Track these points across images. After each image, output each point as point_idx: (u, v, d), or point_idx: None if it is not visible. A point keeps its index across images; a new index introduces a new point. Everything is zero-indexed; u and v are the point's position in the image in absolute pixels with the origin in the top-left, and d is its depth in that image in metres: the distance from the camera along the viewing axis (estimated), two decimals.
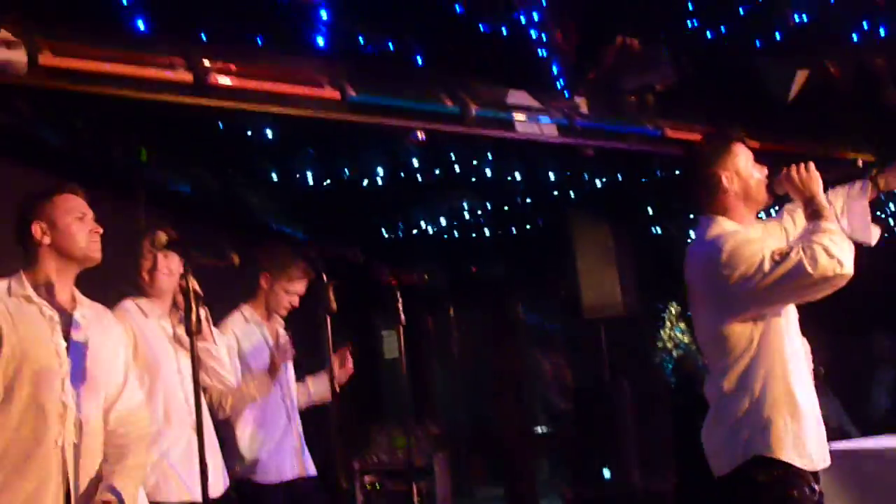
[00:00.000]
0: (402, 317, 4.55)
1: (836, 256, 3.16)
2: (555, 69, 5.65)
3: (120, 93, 4.37)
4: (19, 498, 2.93)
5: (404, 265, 5.10)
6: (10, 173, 4.85)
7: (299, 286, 4.61)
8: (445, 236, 8.61)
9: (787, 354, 3.33)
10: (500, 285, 9.44)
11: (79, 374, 3.10)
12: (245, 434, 4.42)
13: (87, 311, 3.20)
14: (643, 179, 7.25)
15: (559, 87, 5.74)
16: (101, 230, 3.19)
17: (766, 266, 3.17)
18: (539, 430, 10.35)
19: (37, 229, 3.12)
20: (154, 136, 5.64)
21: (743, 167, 3.38)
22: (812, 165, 3.36)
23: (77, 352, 3.12)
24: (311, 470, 4.64)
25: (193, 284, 3.12)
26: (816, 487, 3.34)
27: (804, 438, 3.31)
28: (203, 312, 3.22)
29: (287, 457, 4.50)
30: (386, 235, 8.41)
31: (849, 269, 3.20)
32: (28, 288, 3.08)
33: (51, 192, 3.18)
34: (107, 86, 4.33)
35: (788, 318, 3.39)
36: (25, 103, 4.63)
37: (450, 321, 5.92)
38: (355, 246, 4.55)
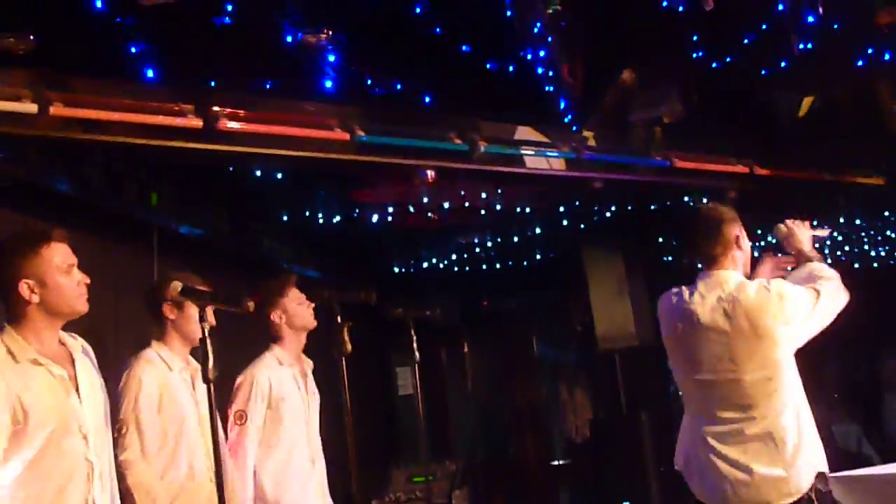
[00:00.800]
0: (417, 353, 4.55)
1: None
2: (562, 104, 5.68)
3: (131, 140, 4.41)
4: None
5: (416, 301, 5.11)
6: (22, 224, 4.88)
7: (298, 300, 4.50)
8: (456, 269, 8.61)
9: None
10: (514, 318, 9.43)
11: (93, 429, 3.09)
12: (269, 478, 4.38)
13: (79, 355, 3.16)
14: (653, 209, 7.24)
15: (567, 121, 5.77)
16: (88, 280, 3.14)
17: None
18: (558, 462, 10.28)
19: (24, 288, 3.04)
20: (165, 181, 5.68)
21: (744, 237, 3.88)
22: (798, 222, 4.03)
23: (88, 406, 3.10)
24: None
25: (208, 332, 3.12)
26: None
27: None
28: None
29: (311, 499, 4.48)
30: (397, 271, 8.42)
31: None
32: (30, 350, 3.02)
33: (37, 243, 3.09)
34: (118, 134, 4.37)
35: None
36: (37, 153, 4.67)
37: (464, 356, 5.91)
38: (370, 286, 4.55)
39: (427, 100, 5.26)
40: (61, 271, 3.09)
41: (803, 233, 4.03)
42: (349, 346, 4.17)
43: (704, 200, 6.95)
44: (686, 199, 6.91)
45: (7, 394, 2.91)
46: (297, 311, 4.46)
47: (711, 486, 3.78)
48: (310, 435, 4.54)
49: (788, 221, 4.06)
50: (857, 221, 7.99)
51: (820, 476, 3.74)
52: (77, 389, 3.07)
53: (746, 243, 3.89)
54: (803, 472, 3.68)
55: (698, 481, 3.84)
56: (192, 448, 3.87)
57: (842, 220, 7.86)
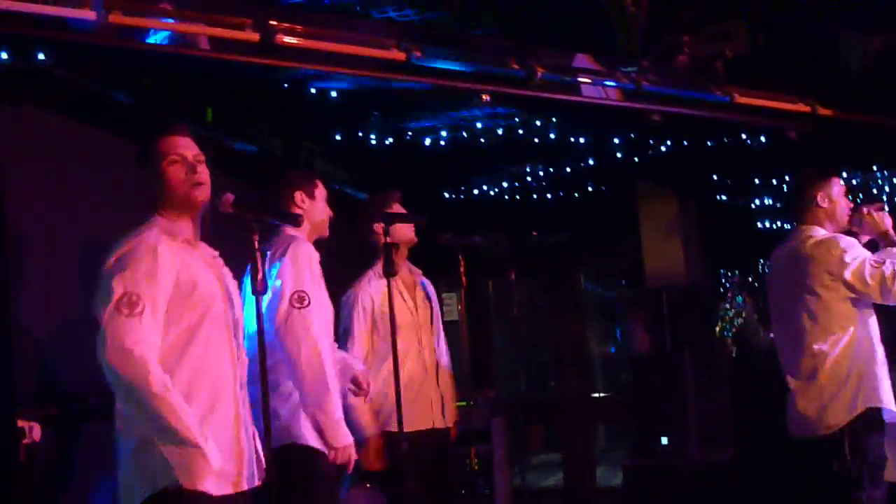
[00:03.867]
0: (464, 279, 4.56)
1: None
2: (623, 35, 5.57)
3: (188, 52, 4.39)
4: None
5: (466, 228, 5.10)
6: (79, 132, 4.93)
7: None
8: (507, 198, 8.56)
9: (872, 328, 4.45)
10: (563, 251, 9.39)
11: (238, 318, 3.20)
12: (380, 384, 4.50)
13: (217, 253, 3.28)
14: (710, 145, 7.13)
15: (627, 51, 5.66)
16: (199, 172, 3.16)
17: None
18: (598, 395, 10.33)
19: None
20: (221, 96, 5.68)
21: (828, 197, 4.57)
22: (882, 207, 4.60)
23: (233, 294, 3.21)
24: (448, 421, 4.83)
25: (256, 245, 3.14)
26: None
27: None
28: None
29: (422, 406, 4.64)
30: (448, 198, 8.39)
31: None
32: (184, 232, 3.13)
33: (154, 136, 3.19)
34: (175, 45, 4.36)
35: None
36: (95, 62, 4.68)
37: (510, 285, 5.90)
38: (418, 211, 4.55)
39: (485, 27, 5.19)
40: (167, 160, 3.15)
41: (879, 218, 4.54)
42: (397, 268, 4.20)
43: (763, 139, 6.83)
44: (744, 136, 6.79)
45: (172, 261, 3.01)
46: (398, 227, 4.47)
47: None
48: (423, 343, 4.71)
49: (864, 209, 4.58)
50: None
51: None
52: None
53: (829, 203, 4.54)
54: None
55: None
56: None
57: None
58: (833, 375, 4.38)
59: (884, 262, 4.37)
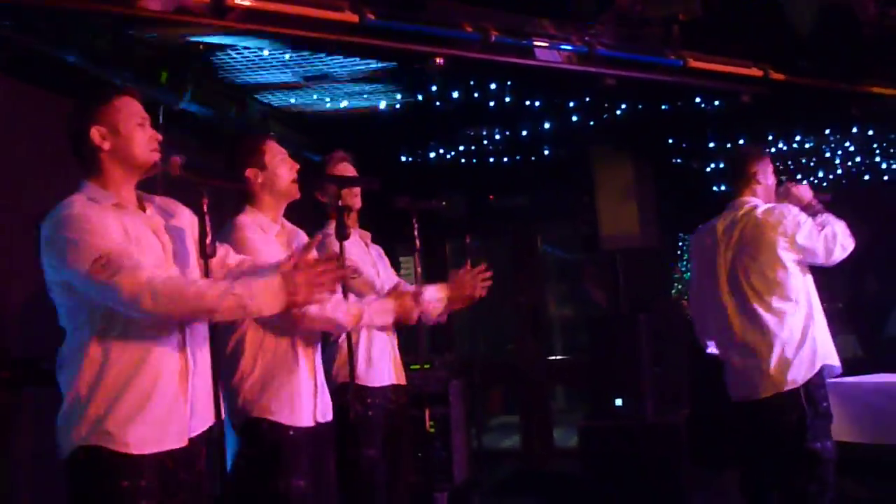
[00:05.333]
0: (419, 243, 4.56)
1: (842, 243, 4.72)
2: None
3: (139, 13, 4.35)
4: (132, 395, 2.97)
5: (422, 192, 5.10)
6: (32, 95, 4.86)
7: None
8: (464, 161, 8.55)
9: (813, 290, 4.79)
10: (520, 214, 9.42)
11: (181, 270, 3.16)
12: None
13: (162, 206, 3.24)
14: (665, 109, 7.16)
15: (581, 16, 5.66)
16: (160, 137, 3.14)
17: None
18: (554, 357, 10.42)
19: (95, 134, 3.07)
20: (173, 59, 5.61)
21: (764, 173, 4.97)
22: (800, 181, 5.11)
23: (178, 253, 3.18)
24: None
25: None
26: None
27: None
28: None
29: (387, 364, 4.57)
30: (404, 161, 8.38)
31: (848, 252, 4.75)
32: (110, 195, 3.06)
33: (110, 94, 3.12)
34: (128, 6, 4.31)
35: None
36: (47, 23, 4.61)
37: (467, 249, 5.92)
38: (374, 174, 4.53)
39: None
40: (133, 122, 3.10)
41: (803, 190, 4.94)
42: (350, 232, 4.19)
43: (716, 103, 6.87)
44: (698, 100, 6.83)
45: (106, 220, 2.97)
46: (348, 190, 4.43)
47: None
48: None
49: (788, 184, 4.99)
50: (870, 133, 7.89)
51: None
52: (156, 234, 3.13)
53: (767, 178, 4.91)
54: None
55: None
56: None
57: (854, 130, 7.77)
58: (792, 334, 4.66)
59: (823, 227, 4.72)
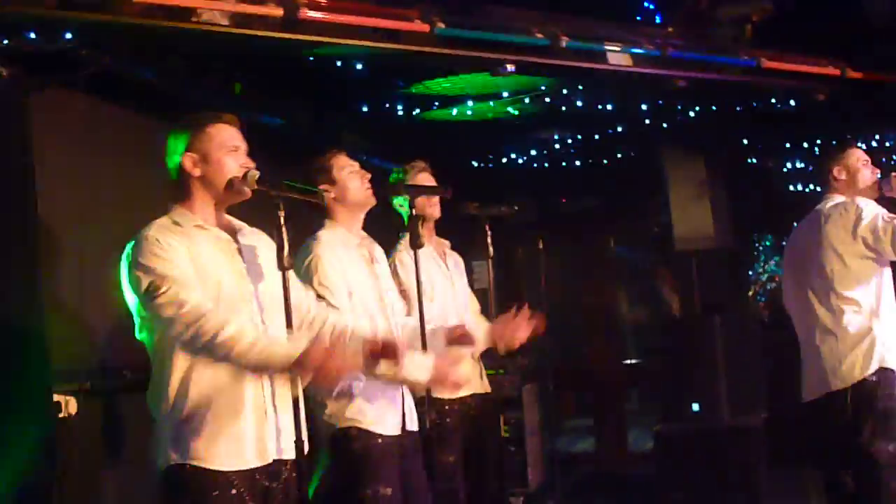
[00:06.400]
0: (491, 248, 4.57)
1: None
2: (648, 3, 5.55)
3: (212, 28, 4.42)
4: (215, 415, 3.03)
5: (495, 196, 5.11)
6: (110, 113, 4.98)
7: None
8: (535, 165, 8.55)
9: (886, 290, 4.61)
10: (591, 217, 9.39)
11: (263, 296, 3.18)
12: None
13: (248, 233, 3.27)
14: (739, 110, 7.08)
15: (652, 19, 5.63)
16: (253, 165, 3.17)
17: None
18: (629, 362, 10.35)
19: (187, 161, 3.13)
20: (247, 71, 5.70)
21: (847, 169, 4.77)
22: None
23: (254, 273, 3.19)
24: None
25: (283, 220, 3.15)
26: None
27: None
28: None
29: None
30: (476, 166, 8.40)
31: None
32: (195, 217, 3.12)
33: (201, 122, 3.17)
34: (199, 21, 4.39)
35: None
36: (120, 41, 4.71)
37: (539, 253, 5.92)
38: (445, 183, 4.55)
39: None
40: (225, 149, 3.15)
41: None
42: (424, 240, 4.21)
43: (792, 103, 6.78)
44: (773, 100, 6.74)
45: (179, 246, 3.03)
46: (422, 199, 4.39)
47: None
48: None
49: (893, 174, 4.68)
50: None
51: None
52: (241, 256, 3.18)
53: (847, 174, 4.73)
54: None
55: None
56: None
57: None
58: (846, 333, 4.53)
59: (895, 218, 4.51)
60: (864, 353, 4.50)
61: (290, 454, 3.15)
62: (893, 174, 4.71)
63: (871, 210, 4.57)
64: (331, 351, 3.06)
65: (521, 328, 4.36)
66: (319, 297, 3.67)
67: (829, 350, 4.55)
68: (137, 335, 3.12)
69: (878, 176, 4.77)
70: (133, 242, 3.06)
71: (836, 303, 4.56)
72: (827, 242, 4.58)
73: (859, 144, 7.37)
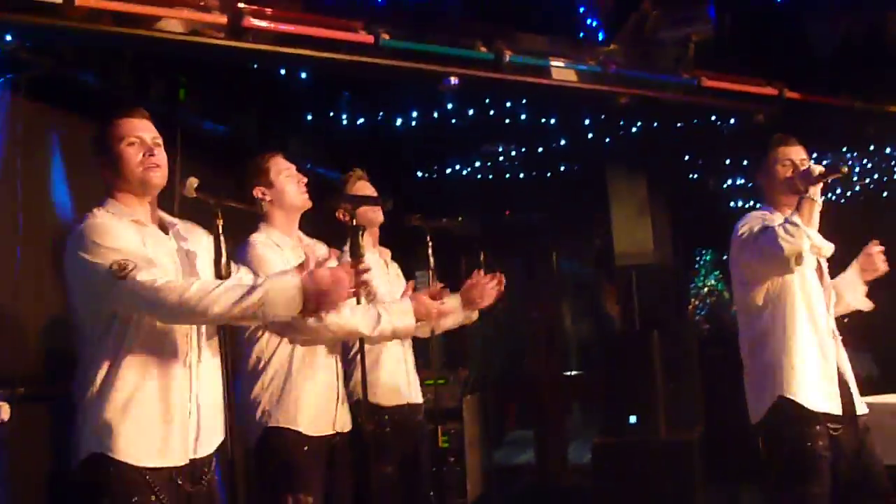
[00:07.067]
0: (432, 260, 4.59)
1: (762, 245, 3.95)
2: (592, 20, 5.62)
3: (155, 34, 4.40)
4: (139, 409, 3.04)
5: (439, 208, 5.13)
6: (52, 116, 4.92)
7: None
8: (479, 177, 8.59)
9: (796, 310, 4.02)
10: (535, 231, 9.44)
11: None
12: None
13: (182, 229, 3.33)
14: (679, 127, 7.19)
15: (595, 36, 5.71)
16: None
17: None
18: (570, 373, 10.41)
19: (99, 158, 3.20)
20: (191, 78, 5.68)
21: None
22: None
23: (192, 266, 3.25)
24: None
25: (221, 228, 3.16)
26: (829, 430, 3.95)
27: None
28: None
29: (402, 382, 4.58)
30: (420, 176, 8.42)
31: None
32: (131, 212, 3.19)
33: (112, 116, 3.21)
34: (143, 27, 4.37)
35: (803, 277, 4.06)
36: (66, 46, 4.67)
37: (481, 265, 5.93)
38: (387, 194, 4.57)
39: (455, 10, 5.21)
40: (125, 141, 3.17)
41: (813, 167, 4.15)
42: (364, 251, 4.21)
43: (732, 121, 6.89)
44: (713, 118, 6.85)
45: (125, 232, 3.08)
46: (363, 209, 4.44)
47: None
48: None
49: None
50: (888, 150, 7.90)
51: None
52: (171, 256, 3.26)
53: (765, 179, 4.31)
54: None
55: None
56: None
57: (871, 147, 7.78)
58: (752, 358, 4.13)
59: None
60: (766, 384, 4.06)
61: (209, 450, 3.16)
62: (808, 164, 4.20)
63: (748, 222, 4.11)
64: (334, 269, 3.09)
65: (487, 291, 4.54)
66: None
67: (746, 377, 4.19)
68: (75, 320, 3.12)
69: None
70: (82, 227, 3.07)
71: (742, 322, 4.21)
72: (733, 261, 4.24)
73: None
